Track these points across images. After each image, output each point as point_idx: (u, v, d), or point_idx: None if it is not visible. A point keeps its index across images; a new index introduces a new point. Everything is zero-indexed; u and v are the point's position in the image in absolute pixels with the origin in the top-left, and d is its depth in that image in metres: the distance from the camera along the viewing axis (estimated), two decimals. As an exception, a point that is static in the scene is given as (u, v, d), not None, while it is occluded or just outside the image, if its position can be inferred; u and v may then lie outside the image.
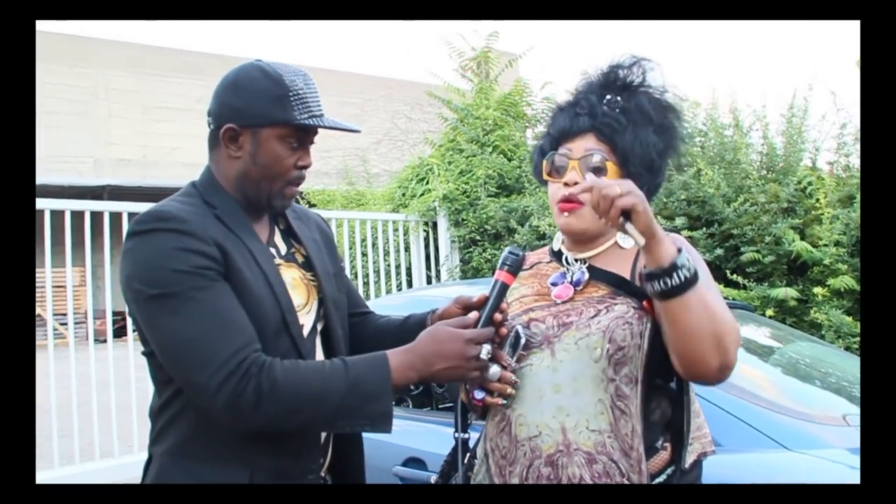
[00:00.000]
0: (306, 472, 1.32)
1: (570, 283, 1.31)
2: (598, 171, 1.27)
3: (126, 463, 3.73)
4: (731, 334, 1.14)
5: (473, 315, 1.26)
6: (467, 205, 5.59)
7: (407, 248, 5.74)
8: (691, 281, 1.10)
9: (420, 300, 2.86)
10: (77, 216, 3.76)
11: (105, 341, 3.93)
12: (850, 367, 2.42)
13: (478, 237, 5.50)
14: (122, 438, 3.86)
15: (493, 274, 1.31)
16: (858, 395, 2.08)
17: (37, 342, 3.34)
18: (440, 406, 2.73)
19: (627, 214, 1.08)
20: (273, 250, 1.38)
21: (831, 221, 3.74)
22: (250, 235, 1.32)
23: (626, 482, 1.18)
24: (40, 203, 3.42)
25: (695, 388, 1.31)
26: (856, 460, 1.57)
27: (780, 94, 5.11)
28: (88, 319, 4.27)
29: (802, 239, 3.84)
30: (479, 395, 1.27)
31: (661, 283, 1.10)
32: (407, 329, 1.44)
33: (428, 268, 5.78)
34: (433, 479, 1.45)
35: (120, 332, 5.33)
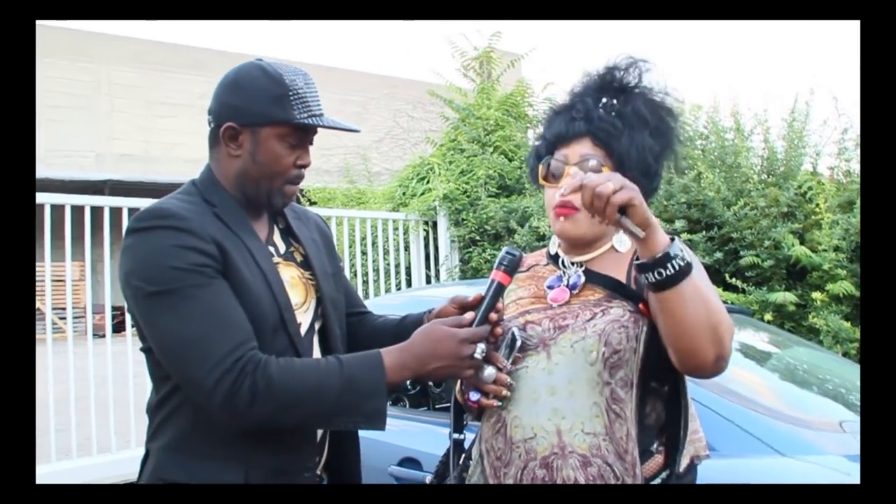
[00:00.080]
0: (302, 469, 1.32)
1: (567, 286, 1.31)
2: None
3: (123, 458, 3.74)
4: (724, 324, 1.13)
5: (469, 315, 1.26)
6: (467, 205, 5.60)
7: (407, 248, 5.75)
8: (686, 270, 1.08)
9: (419, 300, 2.86)
10: (77, 211, 3.76)
11: (104, 336, 3.93)
12: (847, 373, 2.42)
13: (477, 237, 5.50)
14: (119, 434, 3.87)
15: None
16: (855, 401, 2.08)
17: (36, 336, 3.34)
18: (437, 406, 2.73)
19: (623, 209, 1.06)
20: (272, 249, 1.39)
21: (831, 226, 3.74)
22: (249, 234, 1.32)
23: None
24: (41, 197, 3.42)
25: (690, 392, 1.32)
26: (852, 467, 1.58)
27: (781, 97, 5.09)
28: (87, 314, 4.27)
29: (802, 243, 3.84)
30: (473, 396, 1.27)
31: (656, 273, 1.08)
32: (404, 328, 1.44)
33: (427, 267, 5.79)
34: (428, 479, 1.45)
35: (119, 328, 5.33)
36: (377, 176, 9.04)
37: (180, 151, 14.23)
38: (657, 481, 1.22)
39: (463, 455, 1.37)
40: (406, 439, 2.21)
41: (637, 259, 1.12)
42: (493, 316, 1.26)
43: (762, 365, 2.45)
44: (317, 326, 1.41)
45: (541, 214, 4.80)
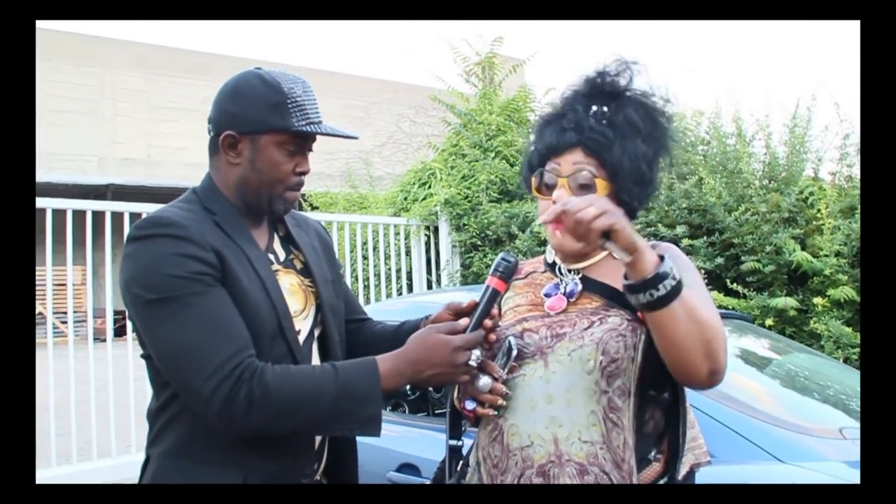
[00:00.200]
0: (301, 475, 1.33)
1: (564, 294, 1.31)
2: (587, 188, 1.25)
3: (123, 463, 3.74)
4: (718, 338, 1.13)
5: (464, 321, 1.26)
6: (469, 210, 5.60)
7: (408, 252, 5.75)
8: (676, 290, 1.08)
9: (420, 305, 2.86)
10: (79, 215, 3.78)
11: (104, 340, 3.94)
12: (847, 379, 2.42)
13: (479, 242, 5.50)
14: (119, 438, 3.87)
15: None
16: (855, 408, 2.08)
17: (36, 340, 3.35)
18: (436, 412, 2.73)
19: (607, 234, 1.06)
20: (272, 256, 1.39)
21: (832, 232, 3.73)
22: (248, 242, 1.33)
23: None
24: (42, 202, 3.44)
25: (689, 399, 1.31)
26: (852, 473, 1.57)
27: (783, 103, 5.09)
28: (88, 318, 4.29)
29: (803, 249, 3.84)
30: (469, 405, 1.27)
31: (648, 294, 1.08)
32: (401, 335, 1.44)
33: (428, 272, 5.79)
34: (426, 486, 1.45)
35: (120, 332, 5.34)
36: (379, 180, 9.05)
37: (183, 155, 14.27)
38: (655, 489, 1.21)
39: (461, 462, 1.37)
40: (405, 445, 2.21)
41: (626, 280, 1.11)
42: (488, 322, 1.26)
43: (762, 372, 2.45)
44: (316, 333, 1.41)
45: (542, 220, 4.79)
